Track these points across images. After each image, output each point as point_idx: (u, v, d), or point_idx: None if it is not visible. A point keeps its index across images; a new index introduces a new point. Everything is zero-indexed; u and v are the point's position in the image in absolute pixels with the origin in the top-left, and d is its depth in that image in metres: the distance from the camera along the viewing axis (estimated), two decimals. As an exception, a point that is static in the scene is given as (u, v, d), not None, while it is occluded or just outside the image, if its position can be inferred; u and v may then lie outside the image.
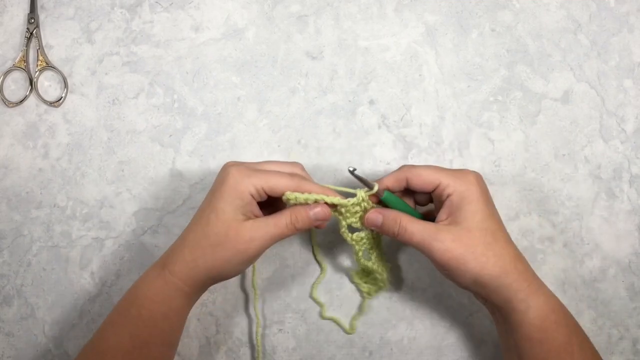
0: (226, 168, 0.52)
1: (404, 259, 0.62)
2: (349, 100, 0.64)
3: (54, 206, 0.62)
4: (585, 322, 0.61)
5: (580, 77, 0.64)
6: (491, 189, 0.62)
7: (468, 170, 0.53)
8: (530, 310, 0.50)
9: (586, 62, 0.64)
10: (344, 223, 0.55)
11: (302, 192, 0.51)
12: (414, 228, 0.51)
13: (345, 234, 0.55)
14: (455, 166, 0.63)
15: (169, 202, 0.62)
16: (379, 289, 0.60)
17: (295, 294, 0.62)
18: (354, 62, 0.64)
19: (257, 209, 0.52)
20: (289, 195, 0.51)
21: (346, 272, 0.62)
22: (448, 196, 0.51)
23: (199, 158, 0.63)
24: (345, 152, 0.63)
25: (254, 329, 0.61)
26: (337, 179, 0.63)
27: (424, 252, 0.51)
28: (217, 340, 0.61)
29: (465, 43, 0.65)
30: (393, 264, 0.62)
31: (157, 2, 0.65)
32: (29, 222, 0.62)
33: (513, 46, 0.65)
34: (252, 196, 0.51)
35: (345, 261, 0.62)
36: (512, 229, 0.62)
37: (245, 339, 0.61)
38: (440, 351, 0.61)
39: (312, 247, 0.62)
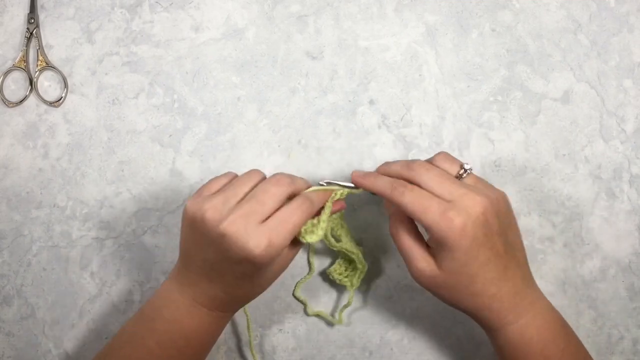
0: (216, 229, 0.47)
1: (404, 259, 0.62)
2: (349, 100, 0.64)
3: (54, 206, 0.62)
4: (585, 322, 0.61)
5: (580, 77, 0.64)
6: (491, 189, 0.62)
7: (457, 213, 0.46)
8: (510, 337, 0.50)
9: (586, 62, 0.64)
10: None
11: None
12: (406, 239, 0.50)
13: None
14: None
15: (169, 202, 0.62)
16: (361, 273, 0.59)
17: (295, 294, 0.62)
18: (354, 62, 0.64)
19: None
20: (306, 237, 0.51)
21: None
22: (429, 233, 0.49)
23: (199, 158, 0.63)
24: (345, 152, 0.63)
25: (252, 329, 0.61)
26: (337, 179, 0.63)
27: (405, 262, 0.51)
28: (217, 340, 0.61)
29: (465, 43, 0.65)
30: (394, 263, 0.62)
31: (157, 2, 0.65)
32: (29, 222, 0.62)
33: (513, 46, 0.65)
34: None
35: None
36: (512, 229, 0.62)
37: (245, 339, 0.61)
38: (440, 351, 0.61)
39: (308, 247, 0.62)
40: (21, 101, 0.63)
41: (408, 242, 0.50)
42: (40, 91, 0.64)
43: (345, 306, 0.61)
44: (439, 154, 0.51)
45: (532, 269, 0.62)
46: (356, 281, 0.60)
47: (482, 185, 0.50)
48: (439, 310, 0.61)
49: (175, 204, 0.62)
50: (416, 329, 0.61)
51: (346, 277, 0.60)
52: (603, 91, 0.64)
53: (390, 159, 0.63)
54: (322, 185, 0.52)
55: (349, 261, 0.59)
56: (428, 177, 0.49)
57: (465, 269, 0.48)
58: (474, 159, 0.63)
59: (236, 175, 0.52)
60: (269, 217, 0.48)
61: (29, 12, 0.64)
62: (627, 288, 0.62)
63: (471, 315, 0.51)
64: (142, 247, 0.62)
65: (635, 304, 0.62)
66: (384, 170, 0.52)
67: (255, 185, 0.50)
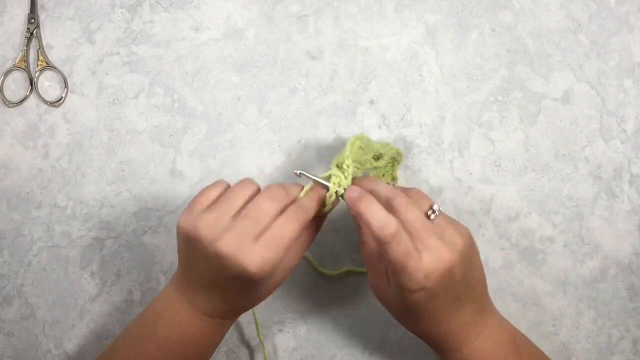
0: (211, 248, 0.46)
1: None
2: (349, 100, 0.64)
3: (54, 206, 0.62)
4: (585, 322, 0.61)
5: (580, 77, 0.64)
6: (491, 189, 0.62)
7: (429, 261, 0.47)
8: None
9: (586, 62, 0.64)
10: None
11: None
12: (369, 254, 0.51)
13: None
14: (456, 166, 0.63)
15: (169, 202, 0.62)
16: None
17: (295, 293, 0.62)
18: (354, 62, 0.64)
19: None
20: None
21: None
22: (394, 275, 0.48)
23: (199, 158, 0.63)
24: (345, 152, 0.63)
25: (256, 331, 0.61)
26: (337, 179, 0.63)
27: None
28: (217, 340, 0.61)
29: (466, 43, 0.65)
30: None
31: (157, 2, 0.65)
32: (29, 222, 0.62)
33: (513, 46, 0.65)
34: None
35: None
36: (512, 229, 0.62)
37: (245, 339, 0.61)
38: (440, 351, 0.61)
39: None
40: (21, 101, 0.64)
41: (372, 257, 0.52)
42: (40, 91, 0.64)
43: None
44: (413, 189, 0.51)
45: (532, 269, 0.62)
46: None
47: (451, 230, 0.49)
48: (439, 310, 0.61)
49: (175, 204, 0.62)
50: (416, 329, 0.61)
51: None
52: (603, 91, 0.64)
53: (390, 159, 0.63)
54: (295, 174, 0.51)
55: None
56: (409, 217, 0.48)
57: (421, 308, 0.48)
58: (474, 159, 0.63)
59: (228, 185, 0.50)
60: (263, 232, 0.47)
61: (29, 12, 0.65)
62: (627, 288, 0.62)
63: (421, 339, 0.53)
64: (142, 247, 0.62)
65: (635, 304, 0.62)
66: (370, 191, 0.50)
67: (250, 197, 0.49)
